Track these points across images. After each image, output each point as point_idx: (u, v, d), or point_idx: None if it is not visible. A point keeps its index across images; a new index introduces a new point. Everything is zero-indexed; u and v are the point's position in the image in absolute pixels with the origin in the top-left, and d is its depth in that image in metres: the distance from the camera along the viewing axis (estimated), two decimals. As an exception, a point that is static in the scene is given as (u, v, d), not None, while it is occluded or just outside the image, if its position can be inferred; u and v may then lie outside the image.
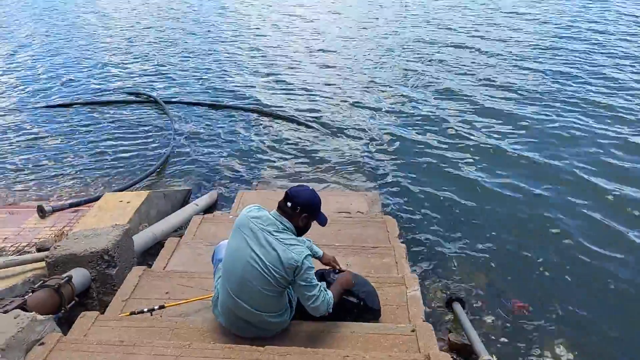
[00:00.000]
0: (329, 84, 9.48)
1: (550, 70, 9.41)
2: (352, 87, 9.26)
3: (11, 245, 4.48)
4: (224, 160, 6.82)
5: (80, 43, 13.41)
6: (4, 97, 9.51)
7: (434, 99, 8.44)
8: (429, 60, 10.50)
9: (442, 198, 5.65)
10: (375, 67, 10.31)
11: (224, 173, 6.50)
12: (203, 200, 5.50)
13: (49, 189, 6.18)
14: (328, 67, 10.55)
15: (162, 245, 4.08)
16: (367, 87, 9.22)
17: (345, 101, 8.60)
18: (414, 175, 6.17)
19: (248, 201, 4.98)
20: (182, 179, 6.40)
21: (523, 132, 7.04)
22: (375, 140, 7.16)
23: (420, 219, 5.30)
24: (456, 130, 7.25)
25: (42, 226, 4.79)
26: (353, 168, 6.45)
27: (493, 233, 5.00)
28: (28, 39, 14.12)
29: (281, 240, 2.45)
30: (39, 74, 10.91)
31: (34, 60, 12.00)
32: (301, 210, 2.53)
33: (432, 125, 7.47)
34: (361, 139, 7.22)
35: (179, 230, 4.77)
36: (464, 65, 9.98)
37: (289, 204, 2.53)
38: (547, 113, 7.57)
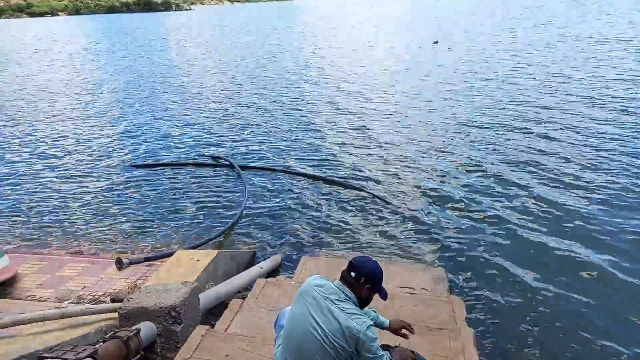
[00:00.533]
0: (397, 154, 9.59)
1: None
2: (417, 158, 9.30)
3: (89, 294, 4.78)
4: (290, 225, 6.97)
5: (164, 107, 14.77)
6: (95, 156, 10.54)
7: (509, 172, 8.25)
8: (505, 132, 10.39)
9: (514, 280, 5.35)
10: (444, 135, 10.35)
11: (289, 238, 6.63)
12: (267, 264, 5.60)
13: (128, 242, 6.61)
14: (400, 136, 10.71)
15: (225, 305, 4.16)
16: (434, 156, 9.23)
17: (412, 173, 8.62)
18: (484, 253, 5.92)
19: (310, 267, 5.01)
20: (249, 241, 6.60)
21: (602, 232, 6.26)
22: (441, 213, 7.03)
23: (490, 302, 5.01)
24: (534, 208, 6.96)
25: (118, 277, 5.10)
26: (417, 241, 6.33)
27: (573, 323, 4.60)
28: (119, 103, 15.80)
29: (343, 309, 2.42)
30: (128, 135, 12.06)
31: (124, 122, 13.35)
32: (365, 281, 2.51)
33: (507, 201, 7.24)
34: (427, 211, 7.12)
35: (242, 292, 4.84)
36: (540, 140, 9.74)
37: (352, 273, 2.52)
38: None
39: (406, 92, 15.56)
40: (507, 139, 10.12)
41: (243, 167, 9.20)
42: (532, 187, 7.65)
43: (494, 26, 34.28)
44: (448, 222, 6.77)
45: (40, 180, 9.17)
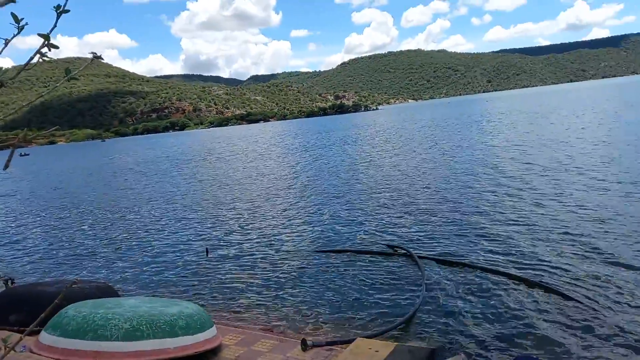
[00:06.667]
0: (609, 254, 8.28)
1: None
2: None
3: (275, 371, 5.14)
4: (475, 325, 6.43)
5: (348, 195, 15.83)
6: (286, 241, 11.73)
7: None
8: None
9: None
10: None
11: (473, 338, 6.10)
12: (447, 364, 5.25)
13: (310, 324, 6.99)
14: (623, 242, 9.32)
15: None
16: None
17: (620, 275, 7.28)
18: None
19: (497, 375, 4.51)
20: (427, 336, 6.31)
21: None
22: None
23: None
24: None
25: (302, 358, 5.38)
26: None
27: None
28: (313, 192, 17.52)
29: None
30: (315, 222, 13.18)
31: (312, 209, 14.68)
32: None
33: None
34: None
35: (419, 392, 4.61)
36: None
37: None
38: None
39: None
40: None
41: (422, 258, 9.08)
42: None
43: None
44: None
45: (241, 261, 10.55)
